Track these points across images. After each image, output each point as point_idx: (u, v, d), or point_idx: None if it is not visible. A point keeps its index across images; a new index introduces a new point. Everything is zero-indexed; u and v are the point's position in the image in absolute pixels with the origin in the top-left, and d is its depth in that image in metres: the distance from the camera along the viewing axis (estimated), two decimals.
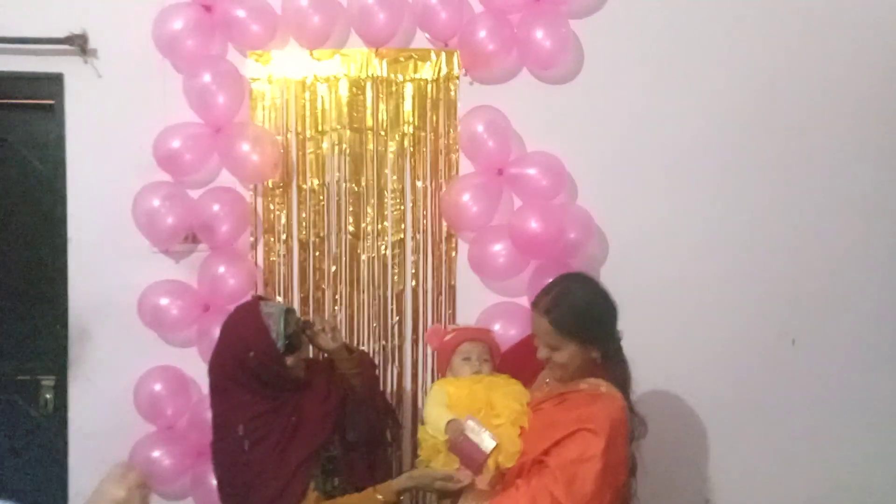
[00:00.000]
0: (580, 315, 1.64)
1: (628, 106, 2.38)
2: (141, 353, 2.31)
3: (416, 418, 2.37)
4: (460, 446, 1.66)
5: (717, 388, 2.42)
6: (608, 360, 1.69)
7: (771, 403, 2.44)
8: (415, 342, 2.39)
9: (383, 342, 2.38)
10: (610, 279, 2.33)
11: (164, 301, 2.23)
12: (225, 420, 1.76)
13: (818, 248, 2.42)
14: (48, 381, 2.41)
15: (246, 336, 1.72)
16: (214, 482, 2.15)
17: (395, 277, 2.38)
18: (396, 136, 2.35)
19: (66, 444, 2.37)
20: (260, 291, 2.33)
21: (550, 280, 1.77)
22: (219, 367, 1.78)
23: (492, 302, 2.34)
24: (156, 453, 2.24)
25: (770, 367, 2.43)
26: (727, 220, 2.41)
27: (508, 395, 1.73)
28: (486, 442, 1.64)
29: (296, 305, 2.35)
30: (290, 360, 1.75)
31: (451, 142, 2.35)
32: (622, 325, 1.77)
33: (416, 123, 2.34)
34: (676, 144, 2.39)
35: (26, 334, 2.42)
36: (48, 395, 2.41)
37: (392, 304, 2.38)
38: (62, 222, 2.32)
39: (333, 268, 2.37)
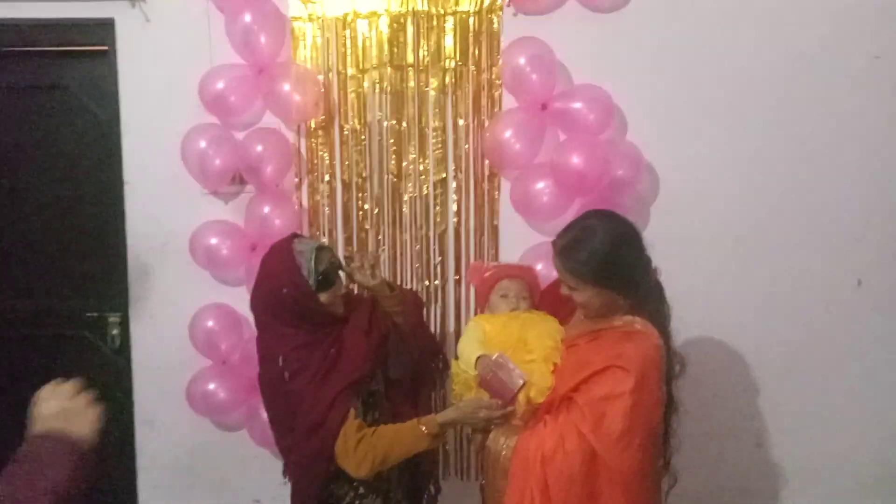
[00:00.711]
0: (594, 260, 1.56)
1: (682, 35, 2.24)
2: (196, 292, 2.41)
3: None
4: (489, 382, 1.66)
5: (775, 331, 2.34)
6: (640, 301, 1.62)
7: (832, 347, 2.33)
8: (457, 282, 2.39)
9: (426, 282, 2.39)
10: (661, 218, 2.28)
11: (214, 241, 2.31)
12: (267, 351, 1.80)
13: (887, 183, 2.25)
14: (115, 318, 2.55)
15: (279, 273, 1.74)
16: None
17: (438, 217, 2.37)
18: (438, 72, 2.30)
19: (130, 376, 2.52)
20: (305, 232, 2.38)
21: (577, 218, 1.69)
22: (257, 303, 1.82)
23: (535, 241, 2.30)
24: (211, 386, 2.35)
25: (833, 309, 2.30)
26: (787, 154, 2.27)
27: (542, 332, 1.71)
28: (515, 378, 1.63)
29: (339, 246, 2.39)
30: (323, 297, 1.75)
31: (493, 77, 2.29)
32: (673, 265, 1.71)
33: (458, 59, 2.29)
34: (733, 75, 2.25)
35: (93, 274, 2.55)
36: (115, 332, 2.55)
37: (434, 245, 2.38)
38: (119, 166, 2.42)
39: (376, 209, 2.37)
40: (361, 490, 1.79)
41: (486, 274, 1.94)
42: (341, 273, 1.85)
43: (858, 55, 2.23)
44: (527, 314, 1.81)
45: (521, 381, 1.61)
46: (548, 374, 1.62)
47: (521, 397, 1.62)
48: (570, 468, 1.50)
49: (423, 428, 1.73)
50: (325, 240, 2.38)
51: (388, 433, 1.74)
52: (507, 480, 1.57)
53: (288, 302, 1.73)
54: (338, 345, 1.79)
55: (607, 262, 1.57)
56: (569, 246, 1.60)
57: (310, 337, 1.76)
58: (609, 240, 1.58)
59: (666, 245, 1.73)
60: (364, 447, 1.71)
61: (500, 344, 1.71)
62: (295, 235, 1.85)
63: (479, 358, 1.69)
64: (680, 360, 1.66)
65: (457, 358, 1.80)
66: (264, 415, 2.26)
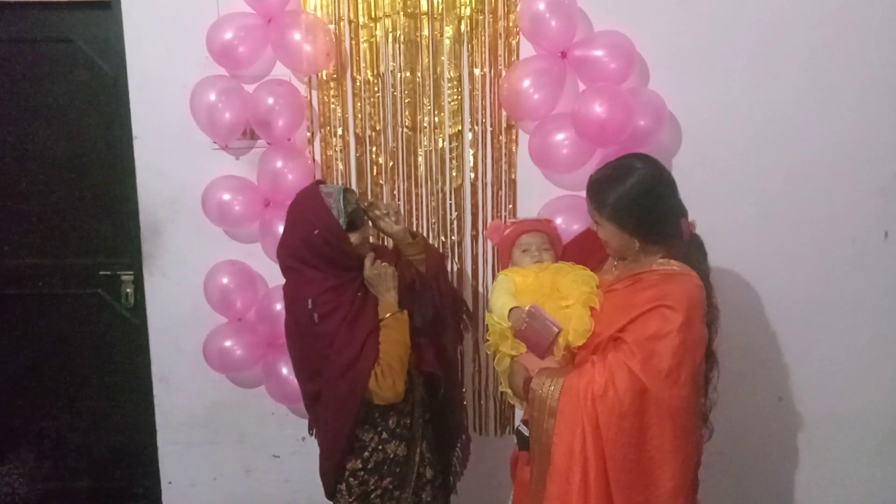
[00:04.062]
0: (621, 203, 1.60)
1: None
2: (209, 249, 2.38)
3: (477, 313, 2.36)
4: (524, 333, 1.67)
5: (799, 285, 2.30)
6: (675, 251, 1.63)
7: (858, 301, 2.30)
8: (474, 238, 2.35)
9: (442, 238, 2.35)
10: (683, 170, 2.19)
11: (226, 197, 2.26)
12: (295, 296, 1.81)
13: None
14: (128, 277, 2.54)
15: (309, 215, 1.76)
16: (285, 371, 2.26)
17: (454, 172, 2.31)
18: (453, 20, 2.22)
19: (146, 334, 2.51)
20: None
21: (622, 155, 1.71)
22: (287, 249, 1.83)
23: (554, 195, 2.26)
24: (228, 343, 2.34)
25: (859, 263, 2.26)
26: (813, 104, 2.20)
27: (576, 278, 1.72)
28: (550, 327, 1.63)
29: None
30: (353, 238, 1.78)
31: (510, 24, 2.21)
32: (695, 218, 1.69)
33: (474, 5, 2.21)
34: (758, 22, 2.17)
35: (105, 231, 2.53)
36: (129, 290, 2.54)
37: (451, 199, 2.33)
38: (127, 120, 2.36)
39: (391, 163, 2.32)
40: (385, 435, 1.84)
41: (506, 231, 1.93)
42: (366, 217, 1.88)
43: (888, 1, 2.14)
44: (557, 264, 1.81)
45: (556, 330, 1.62)
46: (586, 317, 1.63)
47: (561, 340, 1.63)
48: (621, 405, 1.53)
49: (388, 315, 1.80)
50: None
51: (381, 346, 1.77)
52: (554, 419, 1.59)
53: (319, 244, 1.75)
54: (363, 288, 1.83)
55: (633, 207, 1.60)
56: (600, 183, 1.63)
57: (338, 280, 1.79)
58: (641, 186, 1.59)
59: (688, 197, 1.69)
60: (383, 373, 1.74)
61: (533, 293, 1.71)
62: (319, 182, 1.88)
63: (511, 310, 1.69)
64: (716, 314, 1.67)
65: (489, 311, 1.80)
66: (282, 371, 2.30)
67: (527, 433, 1.72)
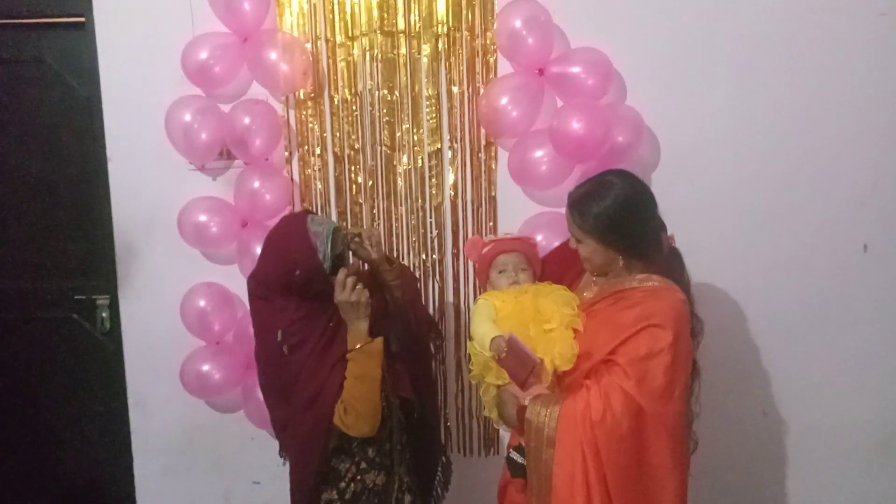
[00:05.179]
0: (603, 217, 1.60)
1: None
2: (186, 271, 2.34)
3: (459, 333, 2.34)
4: (505, 363, 1.65)
5: (779, 298, 2.30)
6: (654, 265, 1.63)
7: (839, 314, 2.30)
8: (455, 256, 2.33)
9: (423, 256, 2.33)
10: (663, 185, 2.20)
11: (203, 218, 2.23)
12: (264, 325, 1.77)
13: (894, 146, 2.19)
14: (103, 301, 2.48)
15: (293, 254, 1.68)
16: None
17: (433, 190, 2.30)
18: (430, 38, 2.22)
19: (122, 358, 2.46)
20: (297, 207, 2.31)
21: (598, 172, 1.71)
22: (261, 279, 1.76)
23: (534, 212, 2.25)
24: (206, 367, 2.29)
25: (839, 275, 2.27)
26: (791, 117, 2.21)
27: (557, 300, 1.69)
28: (528, 358, 1.60)
29: (333, 220, 2.31)
30: (333, 278, 1.72)
31: (488, 42, 2.20)
32: (675, 233, 1.70)
33: (451, 23, 2.20)
34: (735, 36, 2.18)
35: (80, 254, 2.48)
36: (104, 314, 2.49)
37: (431, 218, 2.31)
38: (101, 142, 2.33)
39: (370, 181, 2.30)
40: (363, 465, 1.78)
41: (484, 250, 1.91)
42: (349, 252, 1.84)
43: (865, 12, 2.16)
44: (536, 286, 1.78)
45: (533, 361, 1.59)
46: (571, 340, 1.62)
47: (548, 366, 1.61)
48: (620, 428, 1.53)
49: (358, 346, 1.70)
50: (322, 215, 2.31)
51: (346, 383, 1.70)
52: (553, 449, 1.57)
53: (298, 283, 1.69)
54: (336, 317, 1.76)
55: (615, 221, 1.60)
56: (582, 199, 1.63)
57: (308, 309, 1.73)
58: (622, 201, 1.60)
59: (668, 211, 1.70)
60: (346, 411, 1.68)
61: (515, 318, 1.69)
62: (307, 212, 1.82)
63: (492, 340, 1.66)
64: (700, 325, 1.68)
65: (471, 339, 1.76)
66: (261, 394, 2.25)
67: (519, 460, 1.69)
